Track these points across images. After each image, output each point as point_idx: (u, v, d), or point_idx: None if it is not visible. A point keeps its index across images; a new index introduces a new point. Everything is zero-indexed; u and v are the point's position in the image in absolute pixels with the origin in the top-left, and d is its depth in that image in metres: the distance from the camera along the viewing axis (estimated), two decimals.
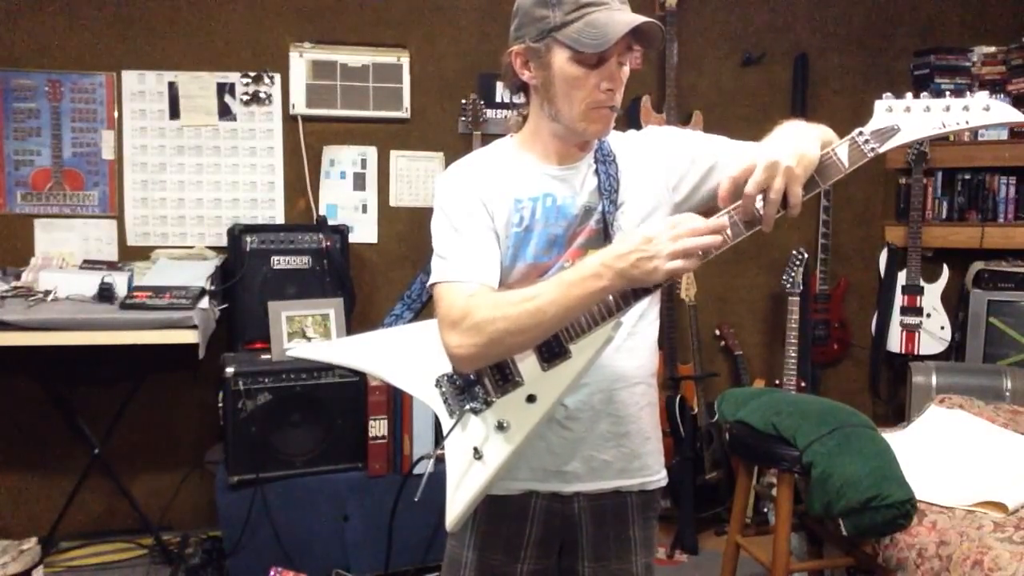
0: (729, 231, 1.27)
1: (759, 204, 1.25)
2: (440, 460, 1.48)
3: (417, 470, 2.94)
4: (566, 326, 1.36)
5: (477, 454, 1.42)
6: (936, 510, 2.43)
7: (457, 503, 1.44)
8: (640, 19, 1.33)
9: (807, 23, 3.99)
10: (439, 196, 1.50)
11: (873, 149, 1.27)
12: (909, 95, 1.29)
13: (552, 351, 1.39)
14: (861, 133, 1.28)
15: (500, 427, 1.42)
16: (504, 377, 1.43)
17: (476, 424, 1.44)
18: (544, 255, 1.46)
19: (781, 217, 1.27)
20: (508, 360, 1.42)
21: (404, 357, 1.49)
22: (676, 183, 1.51)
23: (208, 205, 3.52)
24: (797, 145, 1.27)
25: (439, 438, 1.49)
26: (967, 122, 1.25)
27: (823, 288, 3.98)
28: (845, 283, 4.06)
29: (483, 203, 1.46)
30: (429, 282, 1.45)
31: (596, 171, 1.48)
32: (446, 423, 1.47)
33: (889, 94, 1.30)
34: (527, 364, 1.41)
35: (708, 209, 1.38)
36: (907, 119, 1.26)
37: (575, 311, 1.32)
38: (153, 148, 3.46)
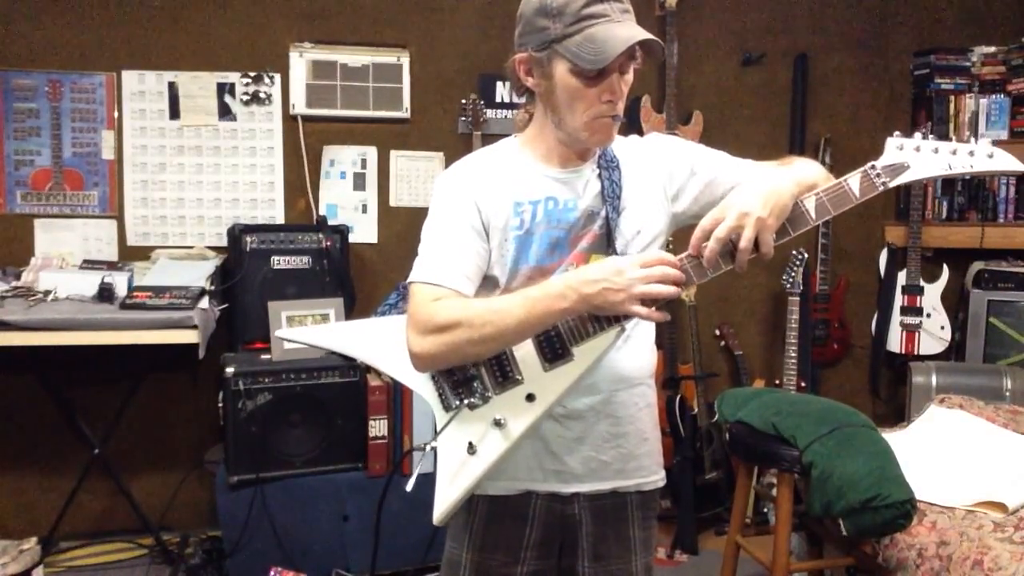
0: (706, 265, 1.32)
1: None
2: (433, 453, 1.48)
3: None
4: (570, 329, 1.37)
5: (471, 449, 1.42)
6: (936, 510, 2.43)
7: (447, 497, 1.43)
8: (639, 35, 1.34)
9: (807, 23, 3.98)
10: (434, 195, 1.51)
11: (884, 183, 1.34)
12: (918, 135, 1.35)
13: (555, 352, 1.40)
14: (874, 167, 1.34)
15: (497, 424, 1.42)
16: (504, 374, 1.43)
17: (472, 419, 1.44)
18: (547, 258, 1.47)
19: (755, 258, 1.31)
20: (508, 357, 1.42)
21: (399, 346, 1.48)
22: (676, 193, 1.53)
23: (208, 205, 3.52)
24: (770, 193, 1.31)
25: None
26: (971, 166, 1.33)
27: (823, 288, 3.98)
28: (845, 283, 4.06)
29: (477, 206, 1.46)
30: (408, 280, 1.47)
31: (600, 176, 1.49)
32: (440, 416, 1.47)
33: (899, 132, 1.36)
34: (528, 363, 1.41)
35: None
36: (917, 158, 1.34)
37: (536, 328, 1.35)
38: (153, 148, 3.46)
